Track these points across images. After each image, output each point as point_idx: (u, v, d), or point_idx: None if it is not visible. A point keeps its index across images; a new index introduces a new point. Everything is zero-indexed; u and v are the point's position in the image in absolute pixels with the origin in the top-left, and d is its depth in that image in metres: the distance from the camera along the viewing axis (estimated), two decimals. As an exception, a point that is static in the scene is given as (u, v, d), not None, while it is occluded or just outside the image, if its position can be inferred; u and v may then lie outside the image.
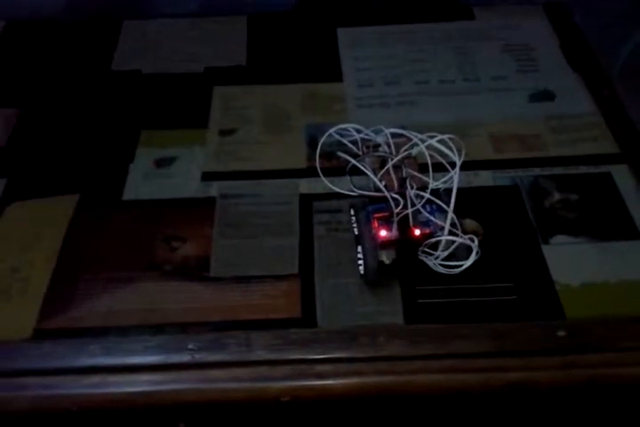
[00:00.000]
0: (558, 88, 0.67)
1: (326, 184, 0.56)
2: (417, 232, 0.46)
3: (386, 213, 0.46)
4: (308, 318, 0.47)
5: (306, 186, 0.57)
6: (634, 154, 0.60)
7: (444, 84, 0.68)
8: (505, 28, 0.74)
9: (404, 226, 0.46)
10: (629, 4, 1.50)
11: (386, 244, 0.46)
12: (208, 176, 0.57)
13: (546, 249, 0.52)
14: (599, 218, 0.54)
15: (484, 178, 0.58)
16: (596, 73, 0.69)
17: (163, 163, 0.58)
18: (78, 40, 0.75)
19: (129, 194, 0.56)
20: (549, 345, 0.45)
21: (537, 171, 0.58)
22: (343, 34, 0.74)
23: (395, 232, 0.46)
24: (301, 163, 0.59)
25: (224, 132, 0.62)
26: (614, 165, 0.58)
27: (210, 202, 0.55)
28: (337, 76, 0.68)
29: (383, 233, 0.45)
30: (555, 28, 0.74)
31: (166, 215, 0.54)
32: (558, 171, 0.58)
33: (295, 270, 0.50)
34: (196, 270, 0.50)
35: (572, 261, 0.51)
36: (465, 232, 0.52)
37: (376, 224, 0.46)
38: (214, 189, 0.56)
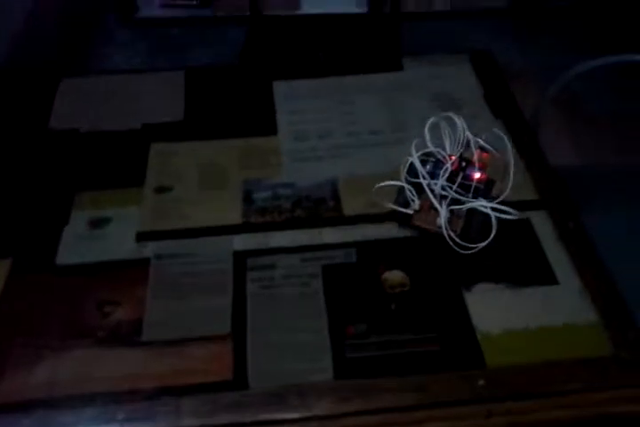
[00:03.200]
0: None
1: (260, 240, 0.59)
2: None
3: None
4: (239, 379, 0.48)
5: (240, 242, 0.58)
6: (552, 200, 0.63)
7: (374, 135, 0.71)
8: (432, 78, 0.78)
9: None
10: (569, 37, 1.59)
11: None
12: (143, 236, 0.59)
13: (468, 297, 0.54)
14: (519, 264, 0.57)
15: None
16: (517, 120, 0.74)
17: (98, 224, 0.59)
18: (15, 98, 0.76)
19: (63, 258, 0.56)
20: (470, 395, 0.47)
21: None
22: (279, 87, 0.77)
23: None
24: (237, 219, 0.61)
25: (160, 190, 0.63)
26: (533, 211, 0.62)
27: (144, 263, 0.56)
28: (273, 130, 0.71)
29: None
30: (479, 77, 0.79)
31: (100, 279, 0.55)
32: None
33: (227, 331, 0.51)
34: (129, 336, 0.50)
35: (492, 309, 0.54)
36: (392, 285, 0.55)
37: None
38: (149, 249, 0.57)
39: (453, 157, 0.56)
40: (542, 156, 0.69)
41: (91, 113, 0.72)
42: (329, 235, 0.59)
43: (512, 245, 0.59)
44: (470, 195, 0.56)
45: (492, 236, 0.54)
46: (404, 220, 0.58)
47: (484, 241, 0.55)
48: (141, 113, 0.71)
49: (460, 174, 0.55)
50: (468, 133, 0.57)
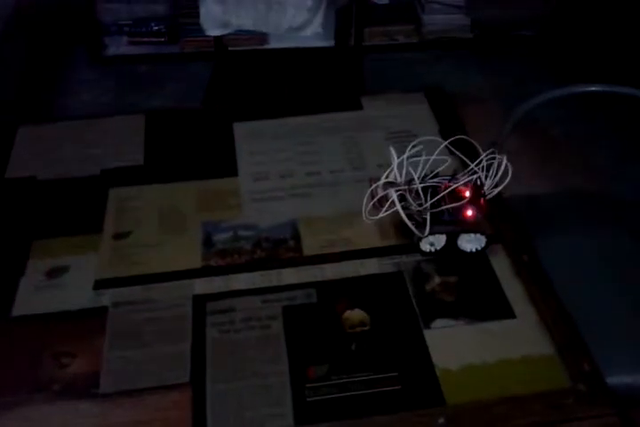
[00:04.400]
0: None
1: (221, 283, 0.59)
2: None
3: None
4: (198, 428, 0.47)
5: (200, 286, 0.58)
6: (507, 234, 0.65)
7: (334, 174, 0.72)
8: (389, 117, 0.80)
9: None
10: (532, 66, 1.64)
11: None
12: (101, 284, 0.58)
13: (427, 334, 0.55)
14: (477, 299, 0.58)
15: (371, 266, 0.61)
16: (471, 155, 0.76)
17: (55, 273, 0.58)
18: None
19: (18, 309, 0.55)
20: (430, 435, 0.48)
21: (419, 256, 0.62)
22: (239, 128, 0.78)
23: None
24: (196, 263, 0.61)
25: (118, 236, 0.63)
26: (490, 246, 0.63)
27: (102, 312, 0.56)
28: (233, 172, 0.71)
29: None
30: (435, 114, 0.82)
31: (56, 330, 0.54)
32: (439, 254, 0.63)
33: (187, 379, 0.51)
34: (86, 388, 0.50)
35: (451, 345, 0.55)
36: (352, 324, 0.55)
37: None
38: (107, 297, 0.57)
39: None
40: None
41: (49, 160, 0.72)
42: (289, 275, 0.60)
43: (470, 279, 0.60)
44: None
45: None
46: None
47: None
48: (100, 158, 0.72)
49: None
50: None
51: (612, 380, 0.67)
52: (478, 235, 0.60)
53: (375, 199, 0.63)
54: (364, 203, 0.63)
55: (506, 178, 0.62)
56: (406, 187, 0.60)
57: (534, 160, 1.54)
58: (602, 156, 1.53)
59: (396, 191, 0.60)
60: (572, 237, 0.91)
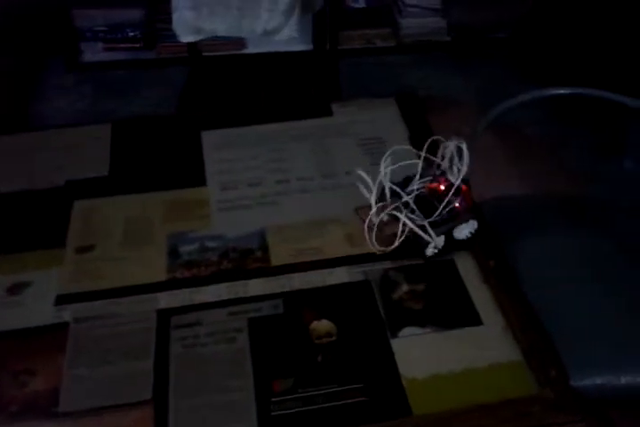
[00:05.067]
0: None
1: (186, 296, 0.58)
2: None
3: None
4: (160, 447, 0.47)
5: (165, 300, 0.58)
6: (475, 240, 0.64)
7: (303, 181, 0.71)
8: (360, 123, 0.80)
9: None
10: (507, 67, 1.65)
11: None
12: (63, 299, 0.57)
13: (394, 343, 0.55)
14: (444, 306, 0.58)
15: (339, 275, 0.61)
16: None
17: (16, 289, 0.57)
18: None
19: (-23, 327, 0.54)
20: (396, 446, 0.47)
21: (387, 263, 0.62)
22: (208, 137, 0.77)
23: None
24: (161, 275, 0.60)
25: (82, 250, 0.62)
26: (457, 252, 0.63)
27: (63, 328, 0.54)
28: (201, 181, 0.71)
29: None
30: (405, 120, 0.82)
31: (16, 347, 0.53)
32: (406, 262, 0.62)
33: (149, 396, 0.50)
34: (46, 407, 0.48)
35: (418, 353, 0.54)
36: (319, 335, 0.55)
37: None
38: (69, 313, 0.56)
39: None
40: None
41: (12, 172, 0.71)
42: (256, 286, 0.59)
43: (438, 287, 0.60)
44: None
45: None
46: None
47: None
48: (66, 169, 0.71)
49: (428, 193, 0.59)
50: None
51: (589, 381, 0.68)
52: (470, 220, 0.60)
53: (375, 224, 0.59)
54: (367, 237, 0.59)
55: (467, 164, 0.60)
56: (398, 203, 0.59)
57: (509, 161, 1.55)
58: (576, 156, 1.54)
59: (391, 210, 0.58)
60: (546, 238, 0.92)
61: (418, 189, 0.60)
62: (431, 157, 0.62)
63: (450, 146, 0.61)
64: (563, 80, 1.54)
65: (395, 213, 0.59)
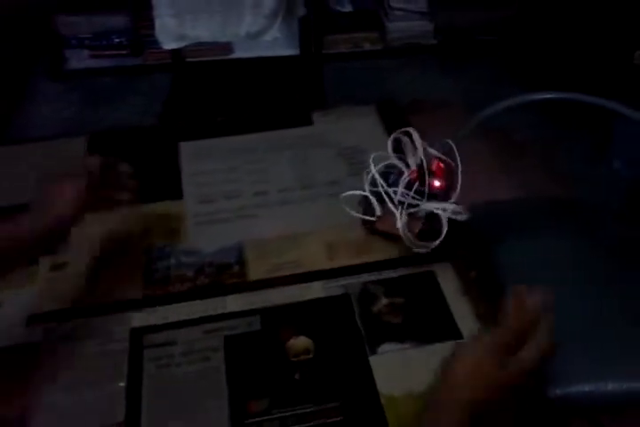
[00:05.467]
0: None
1: (160, 314, 0.57)
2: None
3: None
4: (131, 472, 0.45)
5: (139, 318, 0.56)
6: (455, 251, 0.63)
7: (282, 193, 0.70)
8: (340, 132, 0.79)
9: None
10: (495, 70, 1.63)
11: None
12: (34, 319, 0.56)
13: (373, 360, 0.54)
14: (423, 320, 0.57)
15: (318, 289, 0.59)
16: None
17: (-14, 309, 0.56)
18: None
19: (-56, 350, 0.53)
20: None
21: (366, 276, 0.61)
22: (185, 148, 0.76)
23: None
24: (136, 293, 0.59)
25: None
26: (437, 264, 0.62)
27: (34, 349, 0.53)
28: (177, 194, 0.69)
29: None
30: (386, 127, 0.81)
31: (-16, 370, 0.52)
32: (386, 274, 0.61)
33: (121, 418, 0.48)
34: (14, 431, 0.48)
35: (397, 370, 0.53)
36: (296, 353, 0.54)
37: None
38: (39, 333, 0.54)
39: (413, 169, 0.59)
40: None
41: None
42: (232, 303, 0.58)
43: (417, 300, 0.59)
44: (425, 200, 0.58)
45: (442, 235, 0.57)
46: (369, 226, 0.63)
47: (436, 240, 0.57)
48: (39, 183, 0.69)
49: (417, 183, 0.58)
50: (422, 146, 0.60)
51: (577, 388, 0.67)
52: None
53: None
54: (411, 242, 0.57)
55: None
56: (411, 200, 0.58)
57: (498, 164, 1.54)
58: (566, 159, 1.54)
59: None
60: (536, 241, 0.91)
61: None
62: (397, 159, 0.61)
63: (392, 137, 0.61)
64: (551, 82, 1.54)
65: (413, 209, 0.58)
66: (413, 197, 0.58)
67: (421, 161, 0.59)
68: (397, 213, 0.58)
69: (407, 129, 0.60)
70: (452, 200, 0.60)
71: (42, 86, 1.82)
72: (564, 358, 0.66)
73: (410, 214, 0.58)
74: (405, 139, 0.61)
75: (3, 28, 1.68)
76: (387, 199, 0.59)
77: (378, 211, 0.59)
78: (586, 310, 0.76)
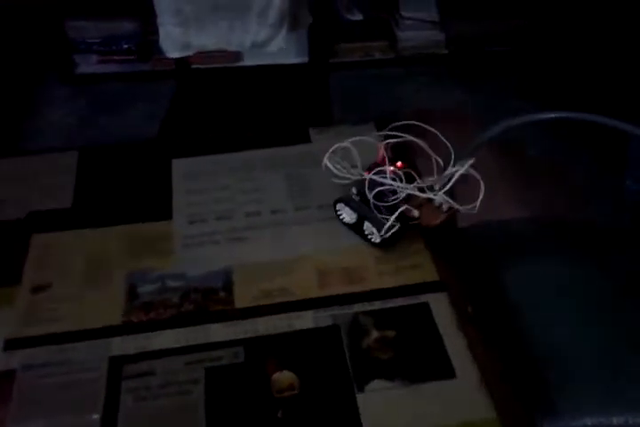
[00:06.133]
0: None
1: (141, 342, 0.55)
2: None
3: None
4: None
5: (118, 346, 0.54)
6: (452, 282, 0.60)
7: (275, 214, 0.68)
8: (338, 150, 0.77)
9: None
10: (507, 81, 1.59)
11: None
12: (12, 344, 0.54)
13: (360, 398, 0.51)
14: (415, 356, 0.54)
15: (306, 319, 0.57)
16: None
17: (-38, 333, 0.54)
18: None
19: None
20: None
21: (357, 306, 0.58)
22: (178, 165, 0.74)
23: None
24: (117, 319, 0.56)
25: (37, 289, 0.59)
26: (432, 294, 0.59)
27: (10, 376, 0.51)
28: (167, 213, 0.67)
29: None
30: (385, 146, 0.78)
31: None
32: (378, 305, 0.58)
33: (92, 455, 0.47)
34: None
35: (385, 410, 0.50)
36: (280, 388, 0.51)
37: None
38: (17, 359, 0.52)
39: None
40: (446, 231, 0.68)
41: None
42: (217, 332, 0.56)
43: (409, 333, 0.56)
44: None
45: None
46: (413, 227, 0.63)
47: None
48: (26, 200, 0.67)
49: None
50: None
51: (579, 422, 0.64)
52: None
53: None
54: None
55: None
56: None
57: (506, 181, 1.51)
58: (578, 176, 1.50)
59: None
60: (546, 266, 0.88)
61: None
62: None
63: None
64: (564, 95, 1.50)
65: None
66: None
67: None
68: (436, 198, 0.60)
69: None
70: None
71: (50, 91, 1.82)
72: (568, 388, 0.63)
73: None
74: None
75: (12, 32, 1.68)
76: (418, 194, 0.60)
77: (415, 213, 0.61)
78: (593, 338, 0.74)
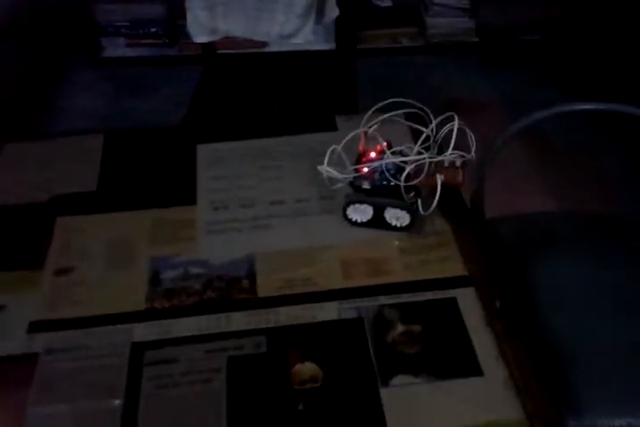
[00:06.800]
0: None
1: (163, 328, 0.54)
2: None
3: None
4: None
5: (140, 332, 0.54)
6: (480, 275, 0.59)
7: (299, 203, 0.67)
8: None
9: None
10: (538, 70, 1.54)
11: None
12: (35, 327, 0.54)
13: (384, 393, 0.50)
14: (441, 352, 0.53)
15: (330, 311, 0.56)
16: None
17: (-12, 314, 0.55)
18: None
19: (-59, 355, 0.52)
20: None
21: (383, 299, 0.57)
22: (203, 151, 0.73)
23: None
24: (139, 304, 0.56)
25: (60, 272, 0.58)
26: (460, 289, 0.58)
27: (32, 359, 0.51)
28: (191, 199, 0.66)
29: None
30: (413, 134, 0.76)
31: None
32: (404, 298, 0.57)
33: (114, 439, 0.46)
34: (2, 448, 0.46)
35: (410, 406, 0.49)
36: (302, 380, 0.50)
37: None
38: (40, 342, 0.52)
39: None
40: (475, 227, 0.66)
41: (-4, 185, 0.68)
42: (239, 320, 0.55)
43: (436, 329, 0.54)
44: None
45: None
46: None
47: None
48: (52, 183, 0.67)
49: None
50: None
51: (614, 421, 0.62)
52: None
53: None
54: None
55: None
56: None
57: (535, 172, 1.47)
58: (609, 168, 1.46)
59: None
60: (575, 264, 0.86)
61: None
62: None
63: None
64: (594, 86, 1.44)
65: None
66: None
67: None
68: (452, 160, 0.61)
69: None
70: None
71: (77, 75, 1.83)
72: (595, 388, 0.61)
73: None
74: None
75: (41, 17, 1.69)
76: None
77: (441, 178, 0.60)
78: (622, 338, 0.71)
